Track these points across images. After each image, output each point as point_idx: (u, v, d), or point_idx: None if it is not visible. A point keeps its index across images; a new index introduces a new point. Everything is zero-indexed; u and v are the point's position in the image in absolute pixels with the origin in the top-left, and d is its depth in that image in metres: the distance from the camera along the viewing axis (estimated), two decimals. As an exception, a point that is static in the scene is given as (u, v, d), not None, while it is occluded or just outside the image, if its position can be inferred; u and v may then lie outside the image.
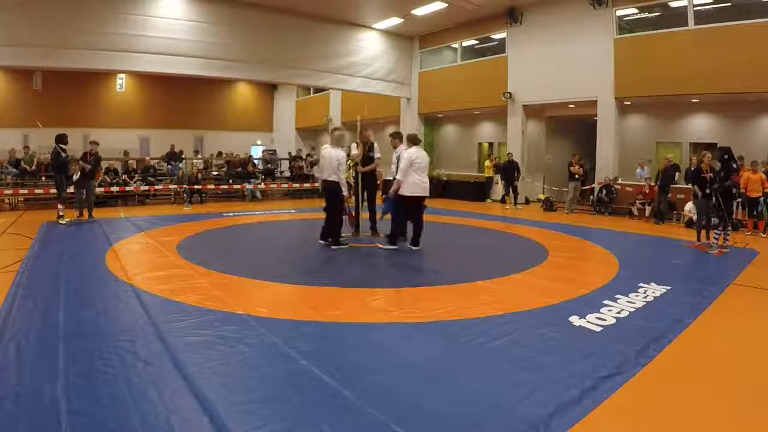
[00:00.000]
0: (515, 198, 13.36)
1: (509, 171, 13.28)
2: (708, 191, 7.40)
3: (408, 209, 6.63)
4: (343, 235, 6.93)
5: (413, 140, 6.71)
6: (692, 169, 7.81)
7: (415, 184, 6.46)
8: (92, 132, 14.60)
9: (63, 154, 8.91)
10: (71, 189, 9.46)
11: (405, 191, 6.50)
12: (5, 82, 17.65)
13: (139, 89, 20.41)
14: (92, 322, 3.70)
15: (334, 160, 6.52)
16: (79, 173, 9.29)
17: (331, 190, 6.60)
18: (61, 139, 8.99)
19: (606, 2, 11.95)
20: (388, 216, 7.00)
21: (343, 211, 6.98)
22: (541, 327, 3.71)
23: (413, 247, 6.72)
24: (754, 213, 9.09)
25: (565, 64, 12.78)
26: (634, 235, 8.98)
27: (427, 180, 6.62)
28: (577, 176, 12.33)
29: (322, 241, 6.94)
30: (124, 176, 13.39)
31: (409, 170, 6.43)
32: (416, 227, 6.73)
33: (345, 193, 6.73)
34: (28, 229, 8.19)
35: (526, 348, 3.29)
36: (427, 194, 6.68)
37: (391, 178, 6.83)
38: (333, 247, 6.70)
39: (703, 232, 7.76)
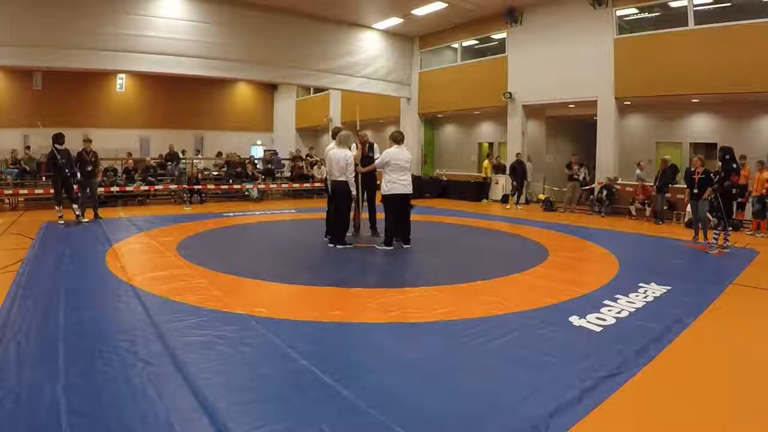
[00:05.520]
0: (518, 198, 13.33)
1: (518, 171, 13.25)
2: (696, 191, 7.49)
3: (391, 209, 6.69)
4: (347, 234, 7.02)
5: (395, 139, 6.78)
6: (692, 169, 7.84)
7: (392, 183, 6.58)
8: (92, 132, 14.58)
9: (58, 156, 8.71)
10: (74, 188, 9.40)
11: (385, 191, 6.65)
12: (5, 82, 17.66)
13: (139, 89, 20.42)
14: (92, 322, 3.70)
15: (342, 160, 6.57)
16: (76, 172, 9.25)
17: (340, 190, 6.65)
18: (57, 139, 8.83)
19: (606, 2, 11.95)
20: (382, 215, 7.05)
21: (351, 211, 7.06)
22: (541, 327, 3.71)
23: (404, 245, 6.83)
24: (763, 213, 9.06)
25: (565, 64, 12.79)
26: (633, 235, 8.98)
27: (407, 178, 6.68)
28: (575, 176, 12.36)
29: (327, 238, 7.09)
30: (123, 176, 13.38)
31: (386, 170, 6.59)
32: (404, 226, 6.83)
33: (354, 192, 6.79)
34: (28, 229, 8.19)
35: (526, 348, 3.29)
36: (408, 192, 6.73)
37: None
38: (338, 246, 6.72)
39: (701, 232, 7.78)
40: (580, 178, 12.52)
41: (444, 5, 13.65)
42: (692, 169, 7.81)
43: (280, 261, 6.17)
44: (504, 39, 14.72)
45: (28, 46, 10.60)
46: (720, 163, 7.37)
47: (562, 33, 12.92)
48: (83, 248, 6.70)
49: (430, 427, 2.33)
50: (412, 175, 7.04)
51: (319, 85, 17.39)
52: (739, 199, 8.96)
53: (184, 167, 14.80)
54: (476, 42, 16.18)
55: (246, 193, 14.47)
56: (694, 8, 10.70)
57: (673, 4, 11.28)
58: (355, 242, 7.06)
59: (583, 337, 3.56)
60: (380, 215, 7.26)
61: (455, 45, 16.47)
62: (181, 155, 15.51)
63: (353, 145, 7.01)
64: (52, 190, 9.42)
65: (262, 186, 14.83)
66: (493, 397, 2.63)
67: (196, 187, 13.21)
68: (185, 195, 12.72)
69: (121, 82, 20.04)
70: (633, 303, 4.37)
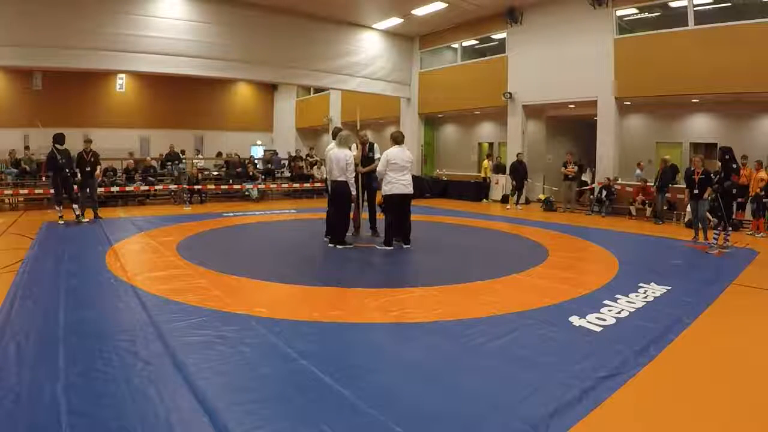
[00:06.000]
0: (518, 198, 13.33)
1: (519, 171, 13.25)
2: (696, 192, 7.50)
3: (392, 209, 6.69)
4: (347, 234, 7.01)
5: (395, 139, 6.79)
6: (691, 169, 7.84)
7: (392, 183, 6.58)
8: (92, 132, 14.58)
9: (58, 156, 8.71)
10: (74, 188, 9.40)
11: (385, 190, 6.65)
12: (5, 82, 17.65)
13: (139, 89, 20.42)
14: (92, 322, 3.70)
15: (342, 160, 6.56)
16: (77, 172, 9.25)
17: (340, 190, 6.64)
18: (58, 139, 8.83)
19: (606, 2, 11.95)
20: (382, 215, 7.05)
21: (351, 211, 7.05)
22: (541, 327, 3.71)
23: (404, 245, 6.82)
24: (760, 212, 9.07)
25: (565, 64, 12.78)
26: (633, 235, 8.98)
27: (407, 178, 6.68)
28: (569, 176, 12.40)
29: (327, 238, 7.08)
30: (123, 176, 13.39)
31: (386, 170, 6.59)
32: (405, 226, 6.83)
33: (354, 192, 6.78)
34: (28, 229, 8.19)
35: (526, 348, 3.29)
36: (409, 192, 6.72)
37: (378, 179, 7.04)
38: (338, 246, 6.72)
39: (701, 232, 7.78)
40: (584, 178, 12.54)
41: (444, 5, 13.65)
42: (692, 169, 7.82)
43: (280, 261, 6.16)
44: (504, 39, 14.72)
45: (28, 46, 10.60)
46: (720, 164, 7.37)
47: (562, 33, 12.92)
48: (83, 248, 6.69)
49: (430, 427, 2.33)
50: (412, 175, 7.03)
51: (319, 85, 17.39)
52: (739, 199, 8.96)
53: (183, 167, 14.80)
54: (476, 42, 16.18)
55: (246, 193, 14.48)
56: (694, 8, 10.70)
57: (673, 4, 11.29)
58: (355, 242, 7.05)
59: (583, 337, 3.55)
60: (380, 215, 7.27)
61: (455, 45, 16.47)
62: (181, 155, 15.53)
63: (353, 146, 7.01)
64: (52, 190, 9.42)
65: (262, 186, 14.84)
66: (493, 397, 2.63)
67: (196, 187, 13.21)
68: (185, 195, 12.72)
69: (121, 82, 20.04)
70: (633, 303, 4.37)
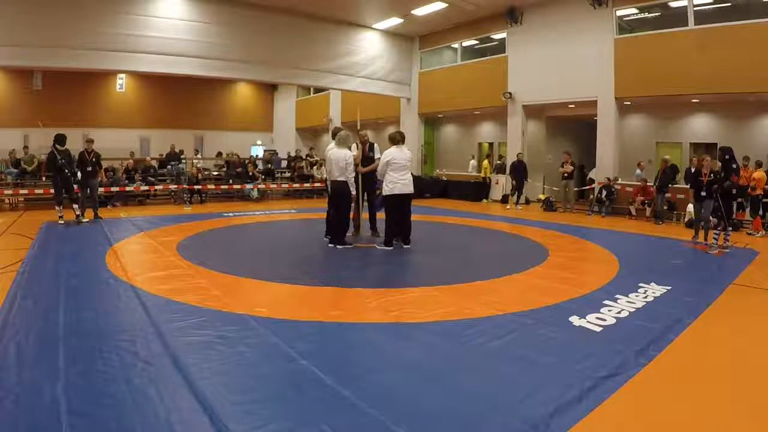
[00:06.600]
0: (518, 198, 13.33)
1: (519, 171, 13.25)
2: (703, 194, 7.47)
3: (392, 208, 6.70)
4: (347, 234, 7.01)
5: (393, 139, 6.80)
6: (693, 170, 7.82)
7: (393, 183, 6.59)
8: (92, 132, 14.59)
9: (59, 156, 8.72)
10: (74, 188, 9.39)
11: (386, 191, 6.66)
12: (5, 82, 17.66)
13: (139, 89, 20.43)
14: (92, 322, 3.70)
15: (341, 160, 6.56)
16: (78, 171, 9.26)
17: (340, 191, 6.64)
18: (59, 139, 8.84)
19: (606, 2, 11.95)
20: (382, 215, 7.05)
21: (351, 211, 7.06)
22: (541, 327, 3.71)
23: (404, 245, 6.82)
24: (759, 213, 9.08)
25: (565, 64, 12.79)
26: (633, 235, 8.98)
27: (408, 177, 6.68)
28: (565, 174, 12.42)
29: (327, 238, 7.08)
30: (123, 176, 13.38)
31: (387, 170, 6.60)
32: (405, 226, 6.83)
33: (353, 192, 6.77)
34: (28, 229, 8.19)
35: (526, 348, 3.29)
36: (409, 191, 6.72)
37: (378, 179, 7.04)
38: (338, 246, 6.72)
39: (702, 232, 7.77)
40: (590, 176, 12.56)
41: (444, 5, 13.65)
42: (693, 170, 7.80)
43: (280, 261, 6.16)
44: (504, 39, 14.73)
45: (28, 46, 10.60)
46: (720, 164, 7.37)
47: (562, 33, 12.92)
48: (83, 248, 6.69)
49: (430, 427, 2.33)
50: (412, 175, 7.02)
51: (319, 85, 17.39)
52: (739, 200, 8.97)
53: (183, 167, 14.81)
54: (476, 42, 16.18)
55: (246, 193, 14.48)
56: (694, 8, 10.71)
57: (673, 4, 11.29)
58: (355, 242, 7.05)
59: (583, 337, 3.55)
60: (380, 215, 7.27)
61: (455, 45, 16.47)
62: (180, 155, 15.51)
63: (353, 145, 7.00)
64: (52, 190, 9.43)
65: (262, 186, 14.84)
66: (493, 397, 2.63)
67: (196, 187, 13.21)
68: (185, 195, 12.72)
69: (121, 82, 20.05)
70: (633, 303, 4.37)
